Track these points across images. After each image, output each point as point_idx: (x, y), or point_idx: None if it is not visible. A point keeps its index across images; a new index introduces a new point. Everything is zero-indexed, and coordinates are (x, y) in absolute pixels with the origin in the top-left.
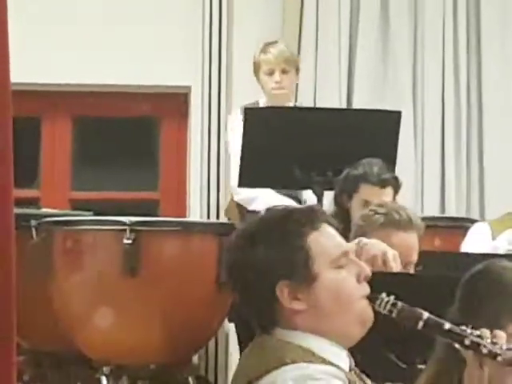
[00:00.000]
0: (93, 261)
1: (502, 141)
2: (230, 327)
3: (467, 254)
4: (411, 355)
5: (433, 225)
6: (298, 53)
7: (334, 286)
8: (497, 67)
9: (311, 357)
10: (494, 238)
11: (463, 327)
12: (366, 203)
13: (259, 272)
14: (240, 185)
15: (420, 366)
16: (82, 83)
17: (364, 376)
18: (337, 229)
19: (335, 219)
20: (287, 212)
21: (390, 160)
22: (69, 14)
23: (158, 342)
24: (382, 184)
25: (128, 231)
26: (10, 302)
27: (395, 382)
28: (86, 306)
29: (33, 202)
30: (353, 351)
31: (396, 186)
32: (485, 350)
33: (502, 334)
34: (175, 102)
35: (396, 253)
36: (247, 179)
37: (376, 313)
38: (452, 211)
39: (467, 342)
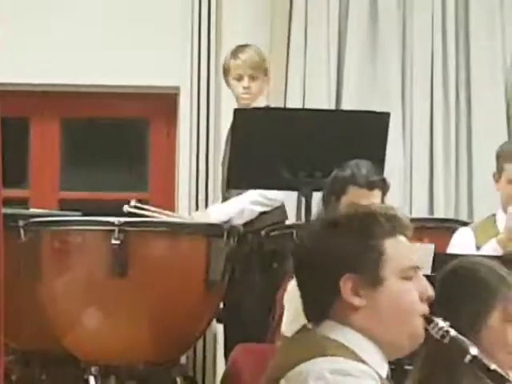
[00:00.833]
0: (81, 261)
1: (490, 142)
2: (218, 328)
3: (455, 255)
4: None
5: (421, 226)
6: (287, 54)
7: (397, 295)
8: (486, 69)
9: (352, 356)
10: (477, 245)
11: None
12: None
13: (330, 259)
14: (228, 186)
15: (407, 367)
16: (71, 83)
17: None
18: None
19: None
20: (373, 211)
21: (379, 161)
22: (58, 15)
23: (146, 343)
24: (370, 186)
25: (116, 231)
26: None
27: None
28: (74, 307)
29: (22, 202)
30: None
31: (384, 187)
32: None
33: None
34: (164, 102)
35: None
36: (236, 180)
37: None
38: (440, 212)
39: None
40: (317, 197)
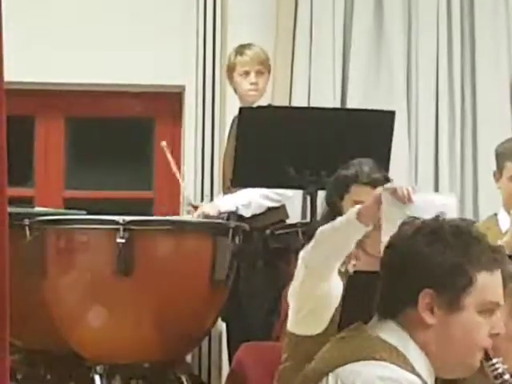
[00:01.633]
0: (86, 260)
1: (496, 140)
2: (224, 326)
3: None
4: None
5: None
6: (292, 55)
7: (470, 328)
8: (491, 67)
9: (402, 362)
10: None
11: None
12: (358, 203)
13: (420, 268)
14: (233, 184)
15: None
16: (76, 82)
17: None
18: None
19: (327, 220)
20: (479, 236)
21: (384, 160)
22: (63, 14)
23: (151, 341)
24: (373, 184)
25: (121, 230)
26: (3, 300)
27: None
28: (79, 305)
29: (27, 201)
30: None
31: None
32: None
33: None
34: (169, 101)
35: None
36: (241, 178)
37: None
38: None
39: None
40: (322, 195)
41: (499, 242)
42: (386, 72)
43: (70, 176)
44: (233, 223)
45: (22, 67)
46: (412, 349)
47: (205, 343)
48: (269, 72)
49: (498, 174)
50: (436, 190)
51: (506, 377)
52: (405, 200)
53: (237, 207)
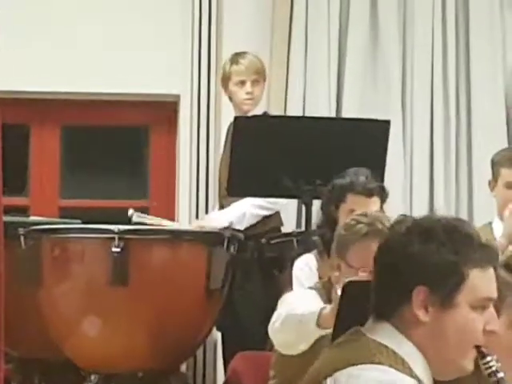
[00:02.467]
0: (81, 269)
1: (490, 149)
2: (219, 336)
3: None
4: None
5: None
6: (287, 62)
7: (464, 324)
8: (486, 76)
9: (400, 365)
10: None
11: None
12: (353, 213)
13: (414, 266)
14: (229, 194)
15: None
16: (72, 91)
17: None
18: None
19: (322, 229)
20: (471, 234)
21: (379, 169)
22: (59, 24)
23: (146, 351)
24: (368, 193)
25: (117, 239)
26: None
27: None
28: (74, 314)
29: (22, 210)
30: None
31: (382, 194)
32: None
33: None
34: (164, 110)
35: None
36: (236, 188)
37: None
38: None
39: None
40: (317, 204)
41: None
42: (381, 81)
43: (65, 185)
44: (228, 232)
45: (16, 76)
46: (409, 350)
47: (200, 353)
48: (264, 80)
49: (494, 182)
50: (431, 197)
51: (500, 374)
52: None
53: (230, 222)
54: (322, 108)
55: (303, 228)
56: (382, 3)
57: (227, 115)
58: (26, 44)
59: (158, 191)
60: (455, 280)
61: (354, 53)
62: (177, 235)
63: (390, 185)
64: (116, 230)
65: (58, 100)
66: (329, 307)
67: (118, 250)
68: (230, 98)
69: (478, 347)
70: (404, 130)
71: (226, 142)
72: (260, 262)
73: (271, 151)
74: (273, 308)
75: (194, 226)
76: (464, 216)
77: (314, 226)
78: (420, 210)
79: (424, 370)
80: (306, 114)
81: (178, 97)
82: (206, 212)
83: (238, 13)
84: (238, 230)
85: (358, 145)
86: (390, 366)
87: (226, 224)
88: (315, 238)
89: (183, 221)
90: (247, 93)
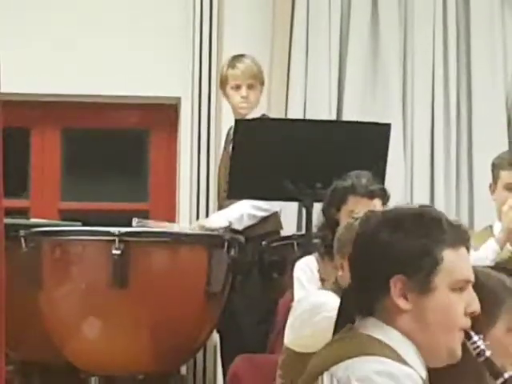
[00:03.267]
0: (81, 271)
1: (491, 152)
2: (219, 338)
3: None
4: None
5: None
6: (288, 65)
7: (444, 307)
8: (487, 79)
9: (395, 356)
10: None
11: None
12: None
13: (386, 256)
14: (229, 196)
15: None
16: (72, 94)
17: None
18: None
19: (324, 231)
20: (439, 217)
21: (380, 172)
22: (60, 26)
23: (146, 353)
24: (370, 195)
25: (117, 242)
26: None
27: None
28: (74, 317)
29: (22, 212)
30: None
31: (384, 197)
32: None
33: None
34: (165, 112)
35: None
36: (236, 190)
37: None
38: None
39: None
40: (318, 207)
41: (492, 239)
42: (381, 84)
43: (66, 187)
44: (228, 235)
45: (17, 78)
46: (399, 340)
47: (200, 355)
48: (262, 84)
49: (494, 185)
50: (432, 201)
51: (488, 353)
52: None
53: (229, 222)
54: (322, 112)
55: (303, 231)
56: (382, 6)
57: (228, 118)
58: (26, 46)
59: (158, 194)
60: (429, 263)
61: (354, 56)
62: (177, 238)
63: (391, 188)
64: (116, 233)
65: (59, 102)
66: None
67: (119, 252)
68: (229, 102)
69: (464, 330)
70: (404, 133)
71: (225, 144)
72: (260, 265)
73: (272, 154)
74: (272, 311)
75: (194, 226)
76: (465, 219)
77: (314, 230)
78: None
79: (417, 358)
80: (307, 118)
81: (178, 99)
82: (207, 215)
83: (238, 15)
84: (238, 232)
85: (358, 148)
86: (386, 357)
87: (225, 223)
88: (316, 240)
89: (184, 223)
90: (242, 97)
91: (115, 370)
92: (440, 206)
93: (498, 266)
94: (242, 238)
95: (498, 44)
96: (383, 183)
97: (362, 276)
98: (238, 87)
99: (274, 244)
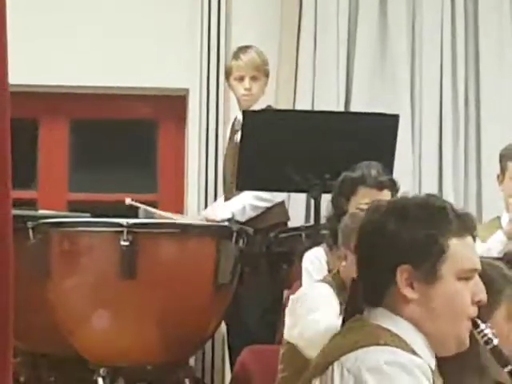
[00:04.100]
0: (90, 262)
1: (499, 144)
2: (226, 330)
3: None
4: None
5: None
6: (296, 56)
7: (451, 296)
8: (495, 70)
9: (404, 346)
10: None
11: None
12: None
13: (393, 246)
14: (238, 188)
15: None
16: (80, 85)
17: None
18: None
19: (333, 222)
20: (445, 206)
21: (388, 163)
22: (67, 16)
23: (154, 344)
24: (380, 186)
25: (125, 233)
26: (6, 303)
27: None
28: (82, 308)
29: (31, 204)
30: None
31: (393, 188)
32: None
33: None
34: (173, 104)
35: None
36: (245, 182)
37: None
38: None
39: None
40: (326, 198)
41: (499, 231)
42: (389, 75)
43: (74, 178)
44: (236, 226)
45: (25, 70)
46: (407, 330)
47: (208, 346)
48: (266, 76)
49: (502, 176)
50: (440, 192)
51: (496, 341)
52: None
53: (232, 213)
54: (330, 103)
55: (312, 222)
56: None
57: (236, 109)
58: (35, 37)
59: (166, 185)
60: (435, 252)
61: (363, 47)
62: (185, 229)
63: (399, 179)
64: (124, 224)
65: (67, 93)
66: None
67: (127, 243)
68: (233, 92)
69: (471, 319)
70: (413, 124)
71: (230, 135)
72: (268, 257)
73: (280, 145)
74: (280, 302)
75: (201, 217)
76: (473, 210)
77: (322, 221)
78: None
79: (425, 347)
80: (315, 109)
81: (186, 90)
82: None
83: (247, 7)
84: (243, 223)
85: (366, 139)
86: (396, 347)
87: (229, 215)
88: (324, 231)
89: (192, 214)
90: (245, 89)
91: (123, 360)
92: (448, 197)
93: (506, 257)
94: (250, 230)
95: (506, 35)
96: (391, 174)
97: (368, 266)
98: (241, 78)
99: (282, 235)
